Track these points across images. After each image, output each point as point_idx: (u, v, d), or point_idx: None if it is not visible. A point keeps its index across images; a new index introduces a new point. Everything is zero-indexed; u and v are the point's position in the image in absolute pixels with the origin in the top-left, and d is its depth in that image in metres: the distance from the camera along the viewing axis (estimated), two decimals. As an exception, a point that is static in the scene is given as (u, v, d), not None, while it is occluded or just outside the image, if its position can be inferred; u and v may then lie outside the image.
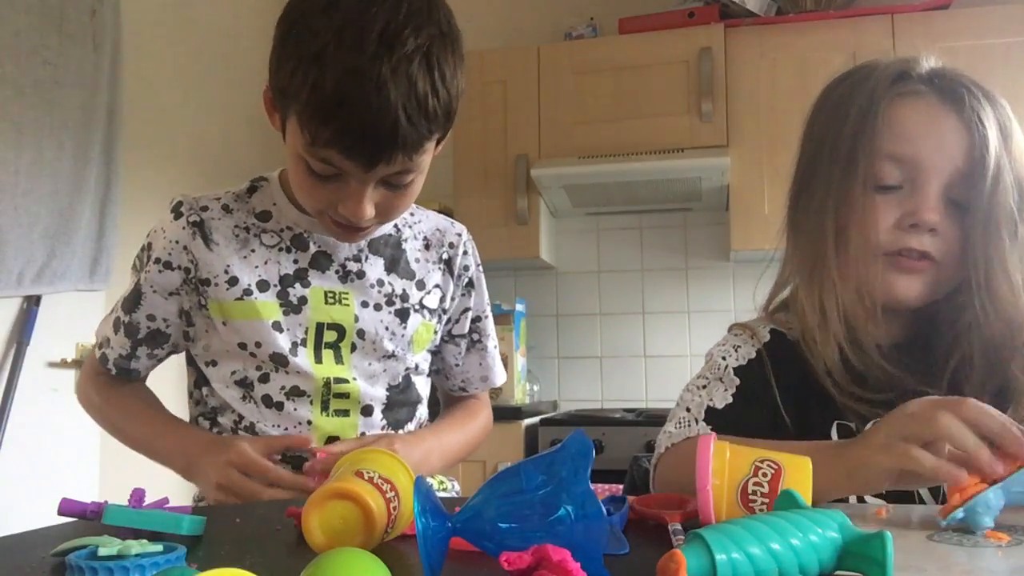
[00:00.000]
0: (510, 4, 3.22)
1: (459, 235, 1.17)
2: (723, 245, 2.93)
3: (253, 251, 1.03)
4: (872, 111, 0.88)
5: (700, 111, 2.71)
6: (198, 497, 1.07)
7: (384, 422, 1.09)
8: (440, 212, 1.20)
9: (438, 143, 0.96)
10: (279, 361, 1.02)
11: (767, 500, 0.61)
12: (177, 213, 1.04)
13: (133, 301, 1.05)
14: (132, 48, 2.41)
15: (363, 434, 1.06)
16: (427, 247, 1.14)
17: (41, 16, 2.11)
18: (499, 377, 1.24)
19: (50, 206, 2.11)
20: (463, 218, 2.76)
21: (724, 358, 0.95)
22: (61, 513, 0.66)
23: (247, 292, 1.01)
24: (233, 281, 1.01)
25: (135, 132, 2.46)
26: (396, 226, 1.12)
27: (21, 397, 2.05)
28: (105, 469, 2.32)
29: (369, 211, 0.92)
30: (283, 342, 1.02)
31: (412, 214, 1.15)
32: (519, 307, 2.90)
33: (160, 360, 1.12)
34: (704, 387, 0.94)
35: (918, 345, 0.91)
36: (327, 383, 1.03)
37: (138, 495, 0.65)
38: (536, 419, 2.62)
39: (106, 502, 0.64)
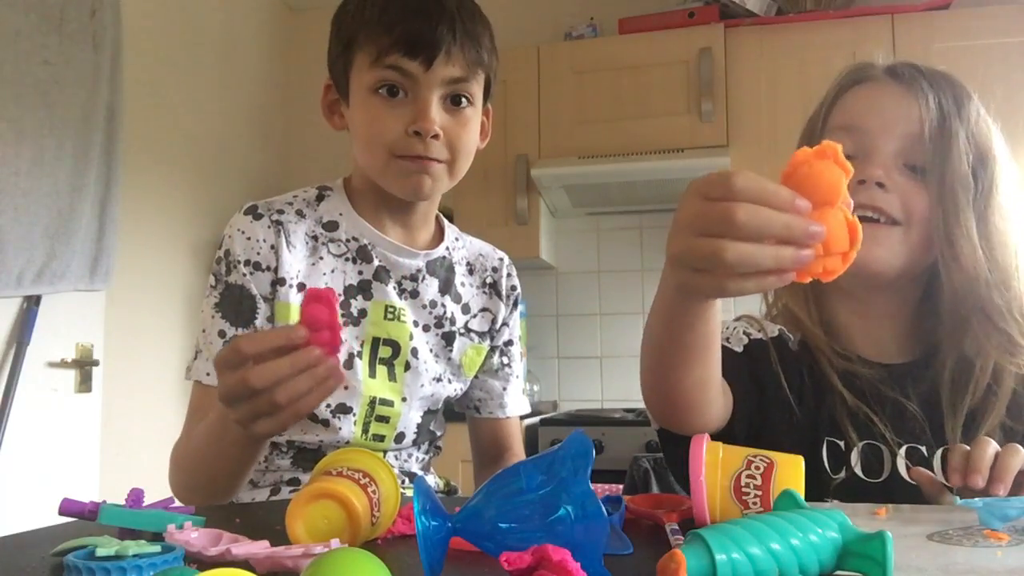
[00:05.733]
0: (510, 4, 3.22)
1: (501, 260, 1.20)
2: (723, 245, 2.92)
3: (321, 259, 1.02)
4: (830, 97, 0.95)
5: (700, 111, 2.71)
6: None
7: (414, 448, 1.10)
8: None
9: (486, 93, 1.04)
10: None
11: (760, 493, 0.62)
12: (256, 215, 1.00)
13: (249, 310, 0.97)
14: (132, 48, 2.41)
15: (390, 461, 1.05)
16: (470, 272, 1.15)
17: (41, 16, 2.11)
18: (517, 407, 1.21)
19: (50, 206, 2.11)
20: (463, 218, 2.76)
21: (733, 329, 0.95)
22: (62, 513, 0.66)
23: None
24: (301, 287, 1.00)
25: (135, 132, 2.46)
26: (447, 248, 1.12)
27: (21, 397, 2.04)
28: (105, 469, 2.32)
29: (436, 120, 0.96)
30: (341, 353, 1.00)
31: (457, 239, 1.16)
32: (519, 307, 2.90)
33: None
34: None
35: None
36: (372, 402, 1.02)
37: (135, 495, 0.65)
38: (536, 419, 2.62)
39: (104, 502, 0.64)
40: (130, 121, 2.40)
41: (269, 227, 0.99)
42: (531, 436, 2.55)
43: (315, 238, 1.03)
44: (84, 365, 2.26)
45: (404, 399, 1.05)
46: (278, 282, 0.99)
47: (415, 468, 1.11)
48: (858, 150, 0.89)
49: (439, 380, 1.09)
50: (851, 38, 2.62)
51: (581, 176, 2.74)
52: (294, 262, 1.00)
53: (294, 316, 0.98)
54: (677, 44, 2.77)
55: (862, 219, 0.85)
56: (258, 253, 0.98)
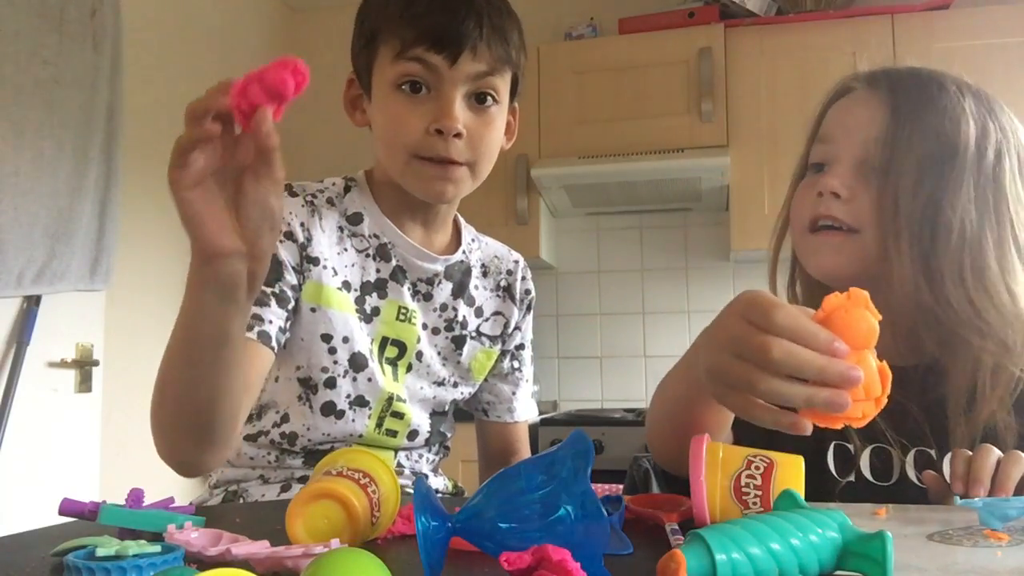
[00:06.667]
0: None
1: (516, 262, 1.19)
2: (723, 245, 2.93)
3: (345, 250, 1.01)
4: (817, 112, 0.95)
5: (700, 111, 2.71)
6: (213, 484, 1.07)
7: (425, 449, 1.10)
8: None
9: (513, 90, 1.02)
10: (358, 363, 1.00)
11: (760, 493, 0.62)
12: (292, 192, 0.99)
13: (276, 272, 0.94)
14: (132, 48, 2.41)
15: (399, 467, 1.06)
16: (484, 274, 1.15)
17: (41, 16, 2.11)
18: (526, 411, 1.22)
19: (50, 206, 2.11)
20: (463, 218, 2.75)
21: None
22: (62, 513, 0.66)
23: (346, 285, 1.00)
24: (334, 271, 0.99)
25: (135, 132, 2.45)
26: (464, 252, 1.11)
27: (21, 397, 2.04)
28: (105, 469, 2.32)
29: (459, 117, 0.94)
30: (354, 343, 1.00)
31: (474, 240, 1.15)
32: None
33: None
34: None
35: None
36: (390, 398, 1.03)
37: (135, 495, 0.65)
38: (536, 419, 2.62)
39: (104, 502, 0.64)
40: (130, 121, 2.40)
41: (303, 206, 0.99)
42: (531, 436, 2.54)
43: (341, 229, 1.02)
44: (84, 365, 2.26)
45: (404, 400, 1.05)
46: (310, 260, 0.98)
47: (426, 469, 1.12)
48: (825, 160, 0.90)
49: (441, 384, 1.09)
50: (851, 38, 2.62)
51: (581, 176, 2.74)
52: (325, 246, 0.99)
53: (325, 296, 0.98)
54: (677, 44, 2.77)
55: (824, 228, 0.88)
56: (289, 224, 0.97)
